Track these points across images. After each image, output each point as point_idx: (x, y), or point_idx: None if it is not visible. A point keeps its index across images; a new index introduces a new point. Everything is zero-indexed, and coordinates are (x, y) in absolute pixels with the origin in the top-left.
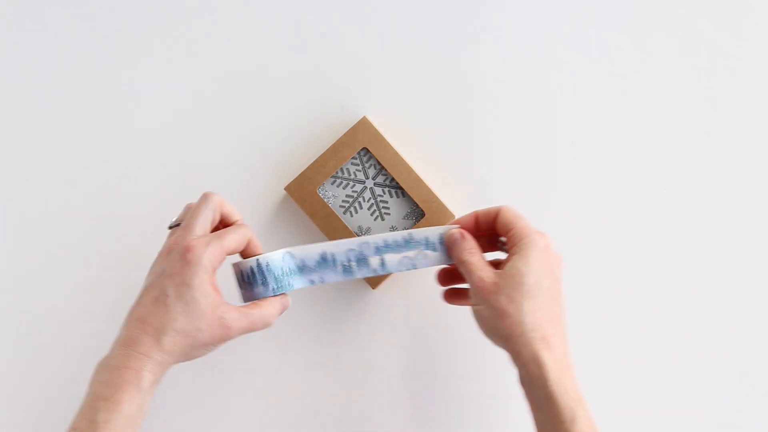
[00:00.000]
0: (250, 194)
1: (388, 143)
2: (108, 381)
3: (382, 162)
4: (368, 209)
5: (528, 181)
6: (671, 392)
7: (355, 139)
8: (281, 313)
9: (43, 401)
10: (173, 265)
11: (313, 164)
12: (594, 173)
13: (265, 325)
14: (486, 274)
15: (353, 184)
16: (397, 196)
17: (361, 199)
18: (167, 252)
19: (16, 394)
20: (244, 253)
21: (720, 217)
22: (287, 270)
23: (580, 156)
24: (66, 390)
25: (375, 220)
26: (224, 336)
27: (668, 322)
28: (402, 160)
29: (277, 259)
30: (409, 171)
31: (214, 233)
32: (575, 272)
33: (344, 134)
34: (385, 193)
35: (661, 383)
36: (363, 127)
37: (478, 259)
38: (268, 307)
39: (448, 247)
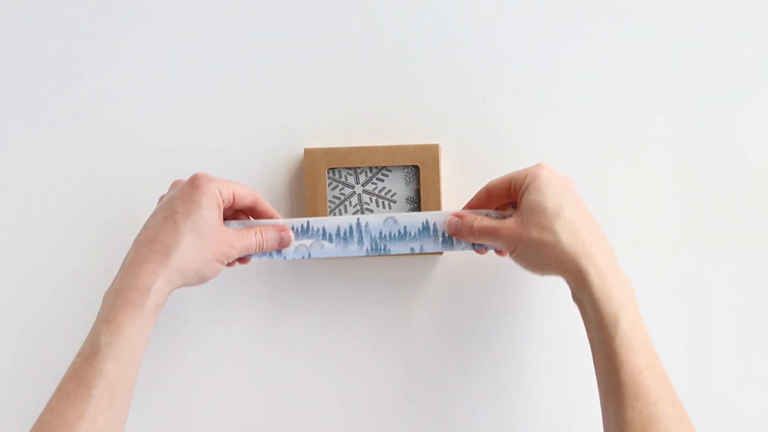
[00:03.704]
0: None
1: (439, 171)
2: (112, 304)
3: (421, 185)
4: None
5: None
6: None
7: (413, 154)
8: (279, 243)
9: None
10: (182, 189)
11: (350, 148)
12: (599, 174)
13: (260, 249)
14: (506, 222)
15: (342, 187)
16: (383, 207)
17: (347, 203)
18: (173, 186)
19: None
20: (257, 213)
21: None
22: (386, 234)
23: (581, 155)
24: None
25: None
26: (228, 252)
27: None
28: (439, 188)
29: (377, 221)
30: (438, 202)
31: None
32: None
33: (406, 146)
34: (372, 202)
35: None
36: (429, 150)
37: (488, 220)
38: (266, 232)
39: (454, 234)
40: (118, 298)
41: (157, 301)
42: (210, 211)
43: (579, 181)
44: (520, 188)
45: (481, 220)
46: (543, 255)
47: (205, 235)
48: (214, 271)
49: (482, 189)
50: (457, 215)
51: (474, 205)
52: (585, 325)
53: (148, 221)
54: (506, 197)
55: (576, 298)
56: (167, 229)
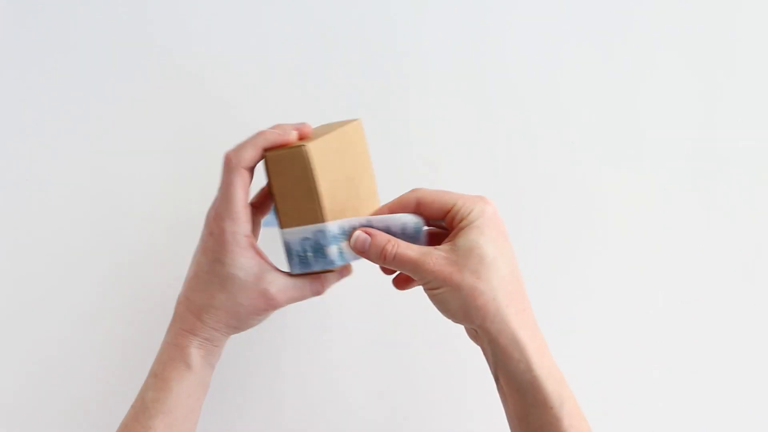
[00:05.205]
0: None
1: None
2: (159, 357)
3: None
4: None
5: (527, 179)
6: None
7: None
8: (339, 280)
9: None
10: (207, 240)
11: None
12: (592, 174)
13: (317, 294)
14: (433, 256)
15: None
16: None
17: None
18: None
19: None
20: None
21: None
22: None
23: (581, 155)
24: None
25: None
26: (268, 307)
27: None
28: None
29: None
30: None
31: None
32: (571, 273)
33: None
34: None
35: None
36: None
37: (406, 247)
38: (325, 276)
39: (360, 252)
40: (164, 352)
41: (202, 356)
42: (239, 268)
43: (572, 183)
44: (462, 220)
45: (397, 245)
46: (472, 306)
47: (236, 295)
48: (257, 322)
49: (411, 197)
50: (367, 232)
51: (395, 209)
52: (512, 398)
53: (188, 271)
54: (439, 218)
55: (502, 369)
56: (197, 289)
